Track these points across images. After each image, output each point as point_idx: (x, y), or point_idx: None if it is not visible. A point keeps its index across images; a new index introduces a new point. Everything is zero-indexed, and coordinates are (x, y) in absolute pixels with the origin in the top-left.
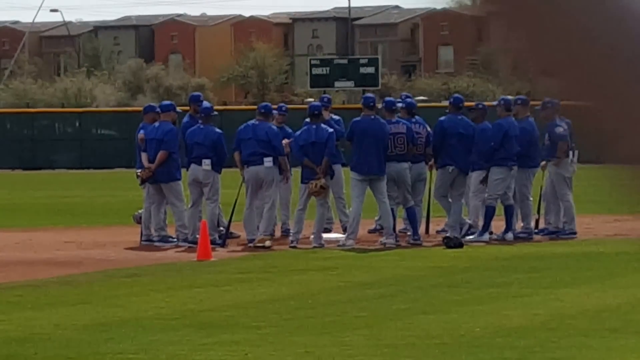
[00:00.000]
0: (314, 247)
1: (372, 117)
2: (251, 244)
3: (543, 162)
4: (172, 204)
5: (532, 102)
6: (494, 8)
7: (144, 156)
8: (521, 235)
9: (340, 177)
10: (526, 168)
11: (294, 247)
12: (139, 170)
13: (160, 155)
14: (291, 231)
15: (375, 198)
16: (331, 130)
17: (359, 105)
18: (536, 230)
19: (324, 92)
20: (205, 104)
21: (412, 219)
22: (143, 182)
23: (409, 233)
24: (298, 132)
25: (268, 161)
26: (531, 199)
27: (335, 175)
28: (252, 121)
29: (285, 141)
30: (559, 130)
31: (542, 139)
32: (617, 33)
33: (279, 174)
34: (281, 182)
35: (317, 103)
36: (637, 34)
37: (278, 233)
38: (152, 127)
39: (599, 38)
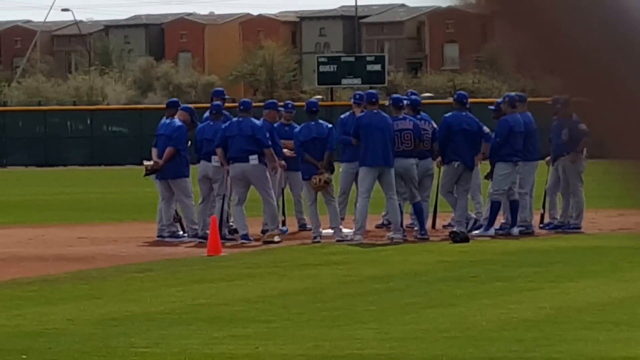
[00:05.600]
0: (337, 240)
1: (375, 111)
2: (244, 240)
3: (548, 157)
4: (180, 200)
5: (540, 99)
6: (496, 7)
7: (153, 151)
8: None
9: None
10: (527, 161)
11: (318, 242)
12: (147, 162)
13: (168, 151)
14: (311, 227)
15: (384, 194)
16: (331, 125)
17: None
18: (541, 225)
19: (332, 90)
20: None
21: (419, 214)
22: (147, 173)
23: (415, 228)
24: (297, 129)
25: (253, 159)
26: (529, 192)
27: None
28: (236, 118)
29: (286, 151)
30: (583, 126)
31: (548, 135)
32: (619, 30)
33: (266, 167)
34: (272, 172)
35: (314, 100)
36: (638, 30)
37: (295, 228)
38: (163, 123)
39: (600, 35)
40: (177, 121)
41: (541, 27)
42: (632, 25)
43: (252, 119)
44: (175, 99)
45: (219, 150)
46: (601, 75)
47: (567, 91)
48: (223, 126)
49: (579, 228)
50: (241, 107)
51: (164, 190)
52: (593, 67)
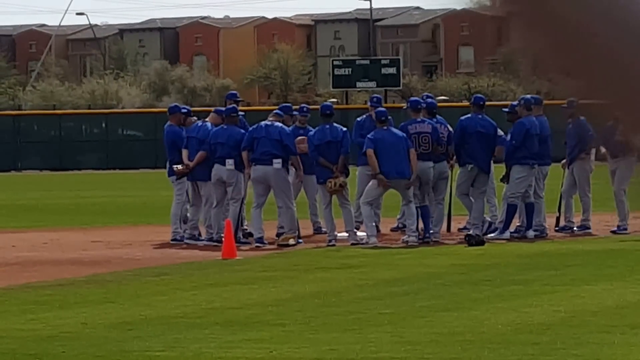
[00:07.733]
0: (352, 244)
1: (386, 128)
2: (259, 243)
3: (564, 161)
4: (206, 203)
5: (555, 102)
6: (513, 8)
7: (184, 153)
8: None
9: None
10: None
11: (333, 245)
12: (178, 166)
13: (200, 154)
14: (326, 231)
15: (401, 198)
16: (345, 129)
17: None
18: (556, 228)
19: (347, 93)
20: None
21: (424, 216)
22: (177, 175)
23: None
24: (312, 132)
25: (277, 163)
26: (542, 196)
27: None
28: (265, 122)
29: (300, 141)
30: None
31: (563, 138)
32: (631, 33)
33: (288, 172)
34: (296, 179)
35: (329, 103)
36: None
37: (309, 231)
38: (195, 126)
39: (614, 38)
40: (209, 125)
41: (558, 28)
42: None
43: (282, 125)
44: (185, 107)
45: (244, 153)
46: (619, 76)
47: (584, 93)
48: (250, 129)
49: (589, 228)
50: (276, 112)
51: (194, 195)
52: (611, 68)
